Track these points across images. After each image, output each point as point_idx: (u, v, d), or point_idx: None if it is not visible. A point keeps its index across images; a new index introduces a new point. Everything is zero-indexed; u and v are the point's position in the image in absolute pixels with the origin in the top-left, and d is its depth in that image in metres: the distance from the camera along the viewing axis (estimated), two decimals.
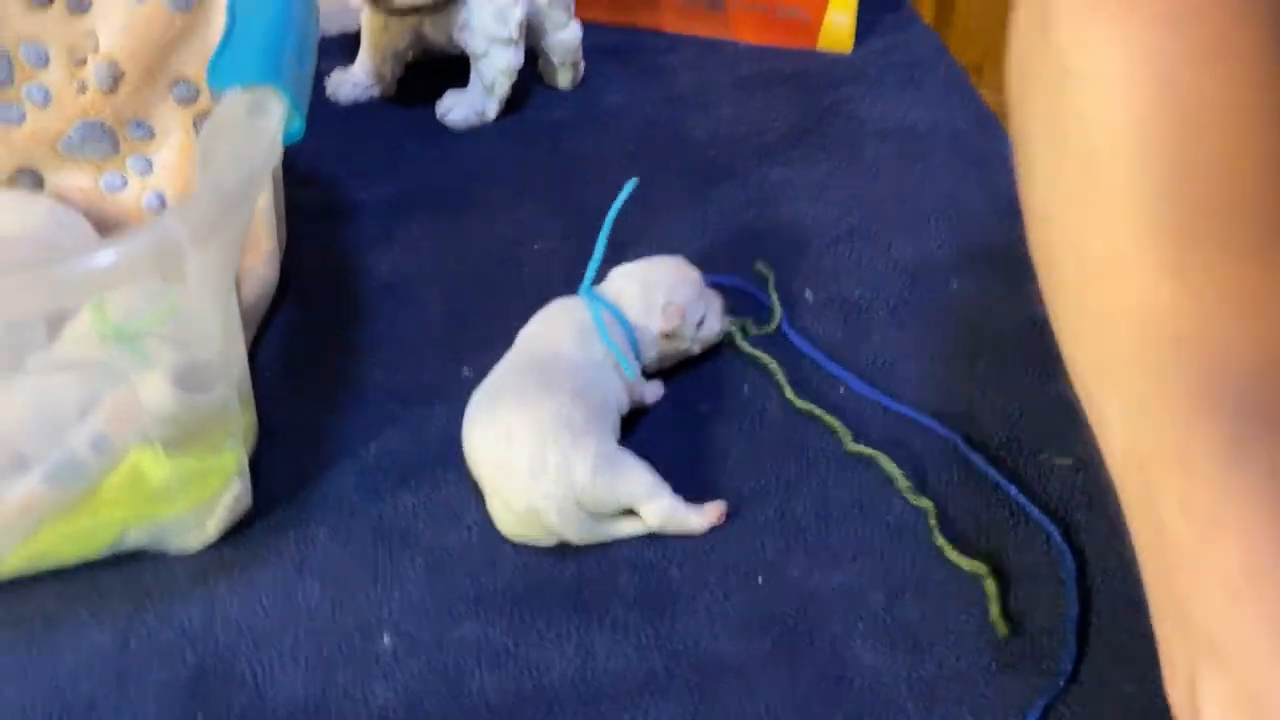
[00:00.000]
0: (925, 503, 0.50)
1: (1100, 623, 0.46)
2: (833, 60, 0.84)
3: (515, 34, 0.76)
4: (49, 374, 0.46)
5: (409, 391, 0.58)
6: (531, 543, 0.49)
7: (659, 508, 0.49)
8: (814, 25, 0.85)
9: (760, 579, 0.48)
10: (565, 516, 0.48)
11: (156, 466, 0.46)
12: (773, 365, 0.57)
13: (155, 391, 0.45)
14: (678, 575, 0.49)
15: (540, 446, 0.48)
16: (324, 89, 0.81)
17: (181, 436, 0.47)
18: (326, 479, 0.53)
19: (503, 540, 0.50)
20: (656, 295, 0.54)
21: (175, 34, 0.60)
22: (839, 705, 0.44)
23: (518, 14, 0.75)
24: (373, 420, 0.56)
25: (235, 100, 0.43)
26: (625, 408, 0.53)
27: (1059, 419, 0.54)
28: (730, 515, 0.50)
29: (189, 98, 0.62)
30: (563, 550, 0.50)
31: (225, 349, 0.47)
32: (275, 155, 0.43)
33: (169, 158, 0.63)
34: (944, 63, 0.83)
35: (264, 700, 0.44)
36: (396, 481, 0.53)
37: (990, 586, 0.47)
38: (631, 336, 0.54)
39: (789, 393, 0.56)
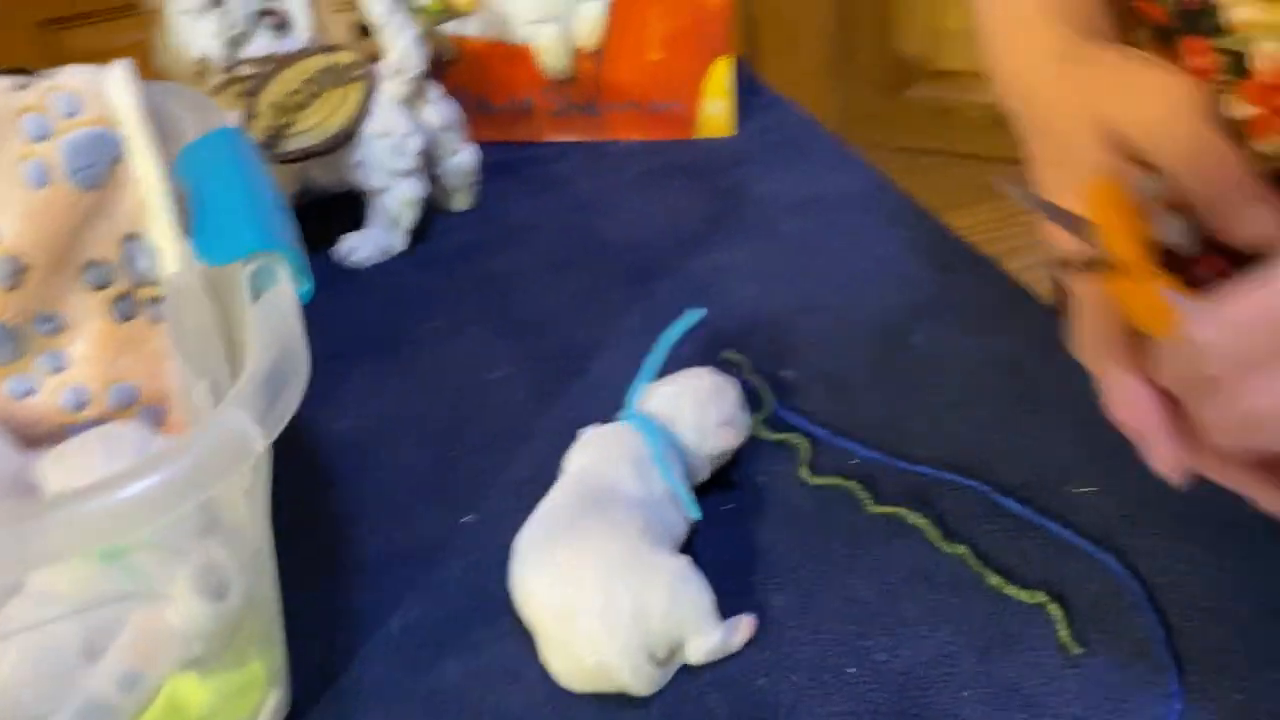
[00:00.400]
0: (960, 549, 0.50)
1: (1183, 640, 0.47)
2: (718, 146, 0.86)
3: (414, 164, 0.74)
4: (37, 612, 0.41)
5: (414, 551, 0.54)
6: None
7: (710, 641, 0.46)
8: (690, 116, 0.87)
9: (851, 669, 0.47)
10: (638, 671, 0.45)
11: (195, 694, 0.41)
12: (802, 442, 0.56)
13: (184, 611, 0.40)
14: (766, 684, 0.47)
15: (612, 591, 0.45)
16: None
17: (215, 651, 0.42)
18: (360, 664, 0.49)
19: (570, 691, 0.47)
20: (710, 414, 0.53)
21: (83, 214, 0.55)
22: None
23: (414, 144, 0.73)
24: (387, 590, 0.52)
25: (242, 272, 0.40)
26: (682, 542, 0.51)
27: (1068, 450, 0.55)
28: (798, 608, 0.49)
29: (103, 282, 0.57)
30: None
31: (257, 551, 0.43)
32: (300, 319, 0.39)
33: (85, 349, 0.58)
34: (820, 135, 0.86)
35: None
36: (434, 651, 0.49)
37: (1055, 610, 0.47)
38: (685, 463, 0.52)
39: (805, 472, 0.55)
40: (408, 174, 0.73)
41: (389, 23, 0.71)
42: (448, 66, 0.86)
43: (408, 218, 0.75)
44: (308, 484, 0.58)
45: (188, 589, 0.41)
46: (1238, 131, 0.51)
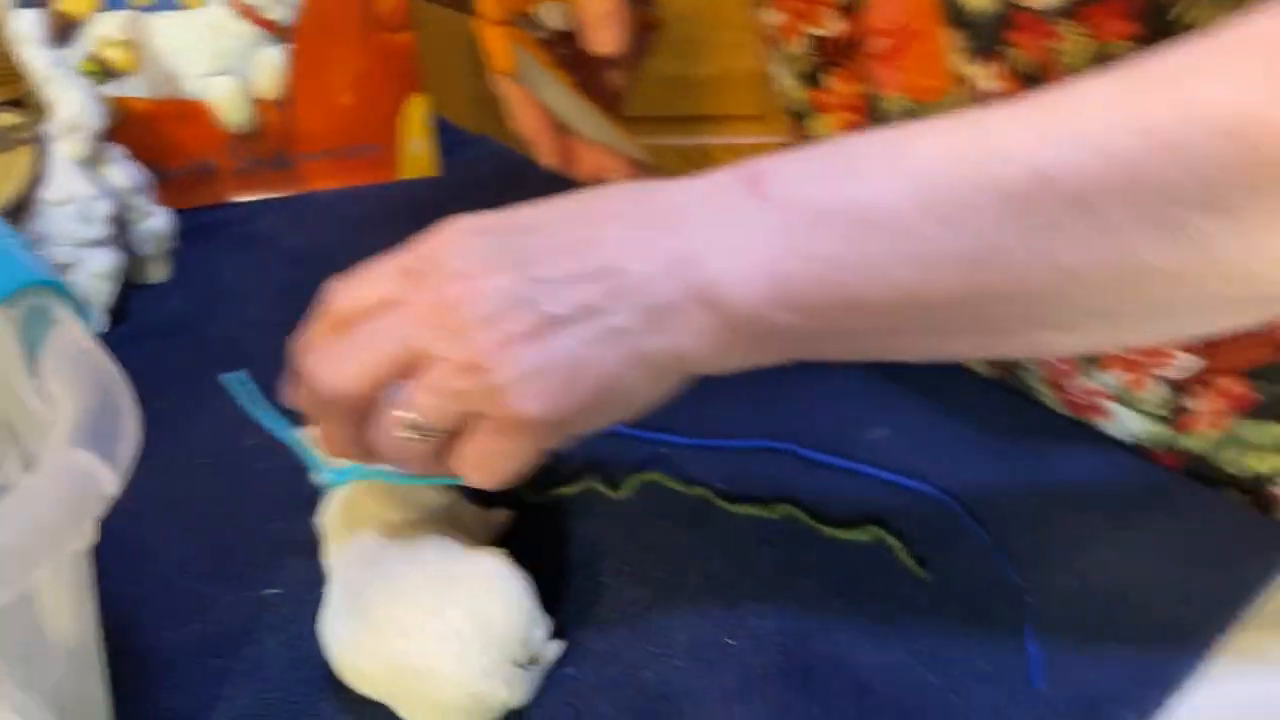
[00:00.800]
0: (787, 509, 0.51)
1: (1010, 543, 0.50)
2: (424, 186, 0.83)
3: (104, 231, 0.66)
4: None
5: (222, 637, 0.47)
6: None
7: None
8: (391, 157, 0.84)
9: (731, 641, 0.46)
10: (510, 681, 0.42)
11: None
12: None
13: None
14: (652, 676, 0.45)
15: (444, 621, 0.41)
16: None
17: None
18: None
19: None
20: None
21: None
22: (877, 710, 0.43)
23: (103, 209, 0.65)
24: (202, 685, 0.45)
25: (4, 319, 0.33)
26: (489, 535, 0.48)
27: (852, 401, 0.58)
28: (657, 597, 0.48)
29: None
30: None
31: (71, 660, 0.35)
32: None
33: None
34: (529, 165, 0.86)
35: None
36: None
37: (892, 541, 0.49)
38: None
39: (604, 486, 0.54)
40: (97, 243, 0.65)
41: (53, 75, 0.63)
42: (113, 133, 0.77)
43: (104, 293, 0.66)
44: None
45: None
46: None
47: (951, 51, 0.53)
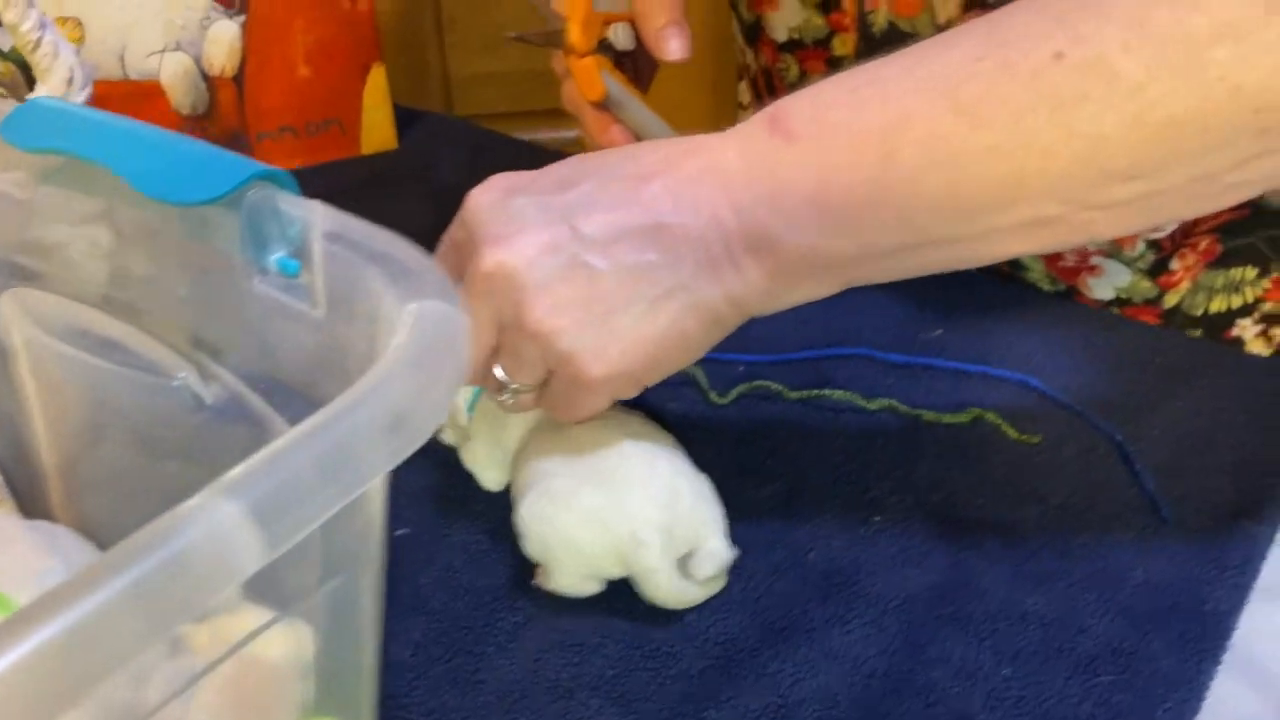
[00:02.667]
0: (886, 402, 0.53)
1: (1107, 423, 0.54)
2: (390, 160, 0.81)
3: None
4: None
5: None
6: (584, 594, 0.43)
7: (722, 548, 0.44)
8: (354, 131, 0.81)
9: (877, 517, 0.48)
10: (664, 551, 0.42)
11: None
12: (696, 371, 0.55)
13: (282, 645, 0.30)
14: (784, 587, 0.46)
15: (654, 466, 0.43)
16: None
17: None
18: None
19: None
20: None
21: None
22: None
23: None
24: None
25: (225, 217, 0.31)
26: None
27: (904, 308, 0.61)
28: (790, 496, 0.49)
29: None
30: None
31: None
32: None
33: None
34: (487, 133, 0.86)
35: None
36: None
37: (992, 416, 0.52)
38: None
39: (714, 396, 0.55)
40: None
41: (43, 38, 0.58)
42: None
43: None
44: None
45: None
46: None
47: None
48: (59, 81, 0.59)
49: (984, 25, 0.37)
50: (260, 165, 0.33)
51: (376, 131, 0.82)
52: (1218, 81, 0.33)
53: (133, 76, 0.74)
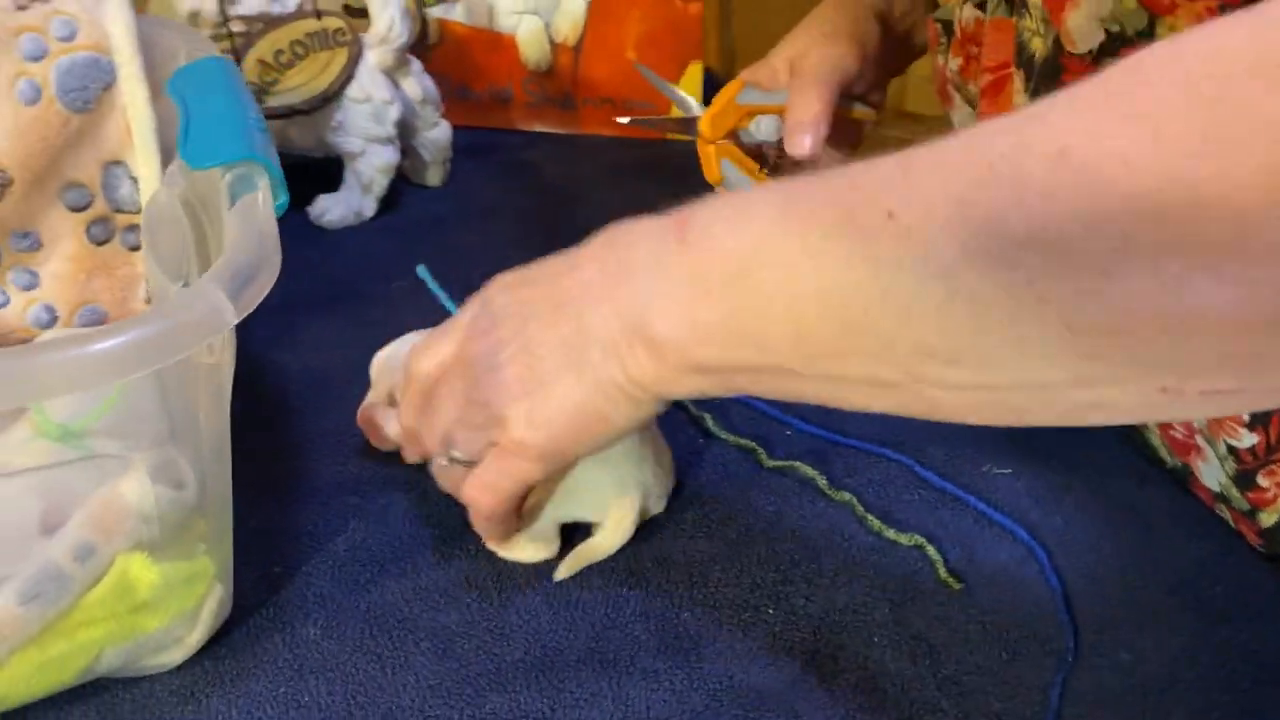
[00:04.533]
0: (845, 496, 0.54)
1: (1080, 603, 0.50)
2: (685, 148, 0.89)
3: (392, 132, 0.76)
4: None
5: (361, 483, 0.56)
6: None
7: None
8: (662, 116, 0.90)
9: (770, 610, 0.49)
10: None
11: (146, 574, 0.43)
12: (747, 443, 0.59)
13: (136, 489, 0.42)
14: (690, 618, 0.49)
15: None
16: None
17: (168, 538, 0.44)
18: (301, 578, 0.51)
19: (505, 611, 0.49)
20: None
21: (69, 136, 0.57)
22: (882, 712, 0.45)
23: (393, 112, 0.76)
24: (334, 515, 0.54)
25: (220, 178, 0.42)
26: None
27: (987, 434, 0.59)
28: (726, 557, 0.52)
29: (81, 204, 0.59)
30: (571, 613, 0.49)
31: (216, 446, 0.45)
32: (274, 221, 0.42)
33: (59, 267, 0.59)
34: None
35: None
36: (376, 571, 0.51)
37: (931, 551, 0.51)
38: None
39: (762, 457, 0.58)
40: (383, 141, 0.76)
41: None
42: (432, 49, 0.89)
43: (380, 184, 0.77)
44: (268, 416, 0.60)
45: (146, 474, 0.43)
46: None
47: (1018, 92, 0.56)
48: (382, 28, 0.74)
49: (860, 167, 0.37)
50: (255, 152, 0.43)
51: None
52: (1025, 285, 0.31)
53: (496, 29, 0.88)
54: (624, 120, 0.70)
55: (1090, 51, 0.51)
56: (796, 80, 0.66)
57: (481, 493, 0.48)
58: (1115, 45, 0.51)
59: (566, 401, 0.44)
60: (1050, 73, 0.53)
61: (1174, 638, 0.48)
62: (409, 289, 0.71)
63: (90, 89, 0.56)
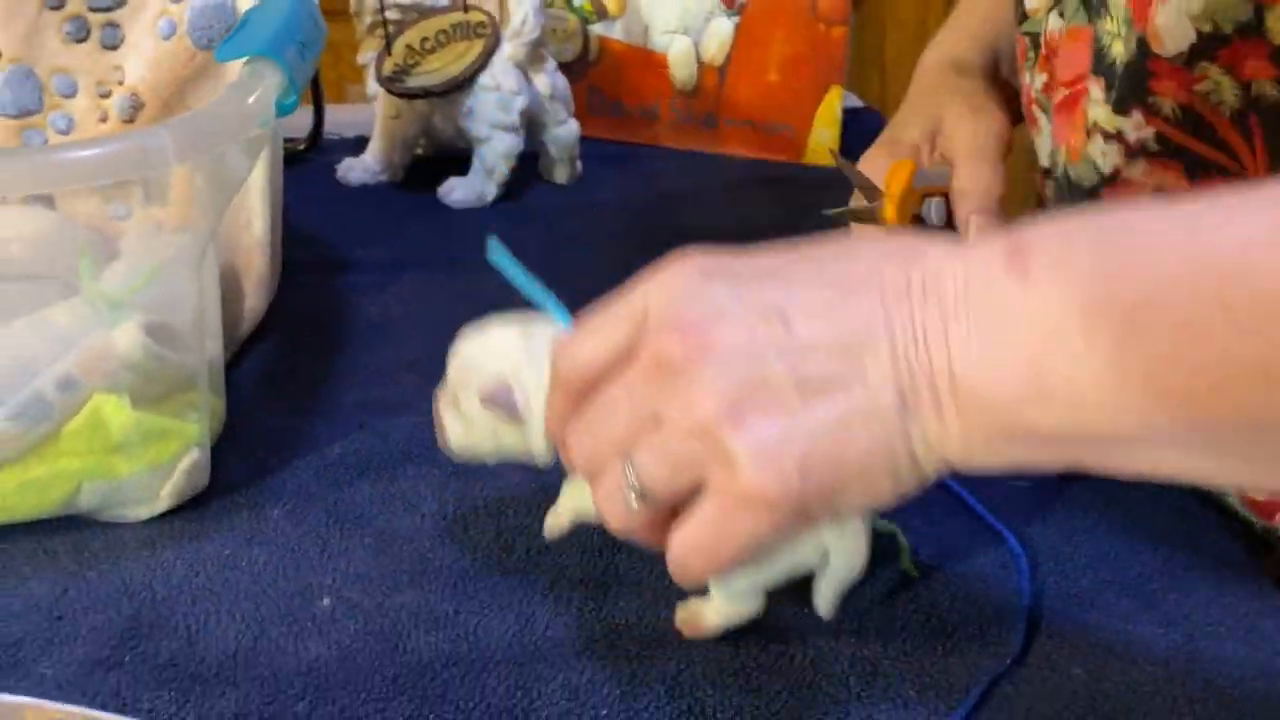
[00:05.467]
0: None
1: (1051, 619, 0.45)
2: (820, 173, 0.89)
3: (516, 121, 0.81)
4: (30, 328, 0.48)
5: (379, 406, 0.59)
6: None
7: None
8: (800, 140, 0.90)
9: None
10: None
11: (118, 415, 0.47)
12: None
13: (126, 338, 0.47)
14: (624, 560, 0.48)
15: None
16: (335, 173, 0.86)
17: (147, 389, 0.48)
18: (288, 471, 0.54)
19: (455, 526, 0.50)
20: None
21: (195, 70, 0.64)
22: (779, 676, 0.42)
23: (519, 103, 0.80)
24: (340, 427, 0.57)
25: (236, 68, 0.47)
26: None
27: None
28: None
29: None
30: (511, 536, 0.49)
31: (197, 319, 0.49)
32: (266, 113, 0.46)
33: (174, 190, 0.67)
34: None
35: (194, 648, 0.44)
36: (356, 474, 0.54)
37: (902, 539, 0.47)
38: None
39: None
40: (508, 129, 0.81)
41: None
42: (591, 67, 0.94)
43: (502, 169, 0.82)
44: (319, 346, 0.65)
45: (141, 328, 0.47)
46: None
47: (1094, 103, 0.52)
48: (516, 22, 0.80)
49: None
50: (269, 49, 0.48)
51: (821, 145, 0.89)
52: None
53: (650, 47, 0.92)
54: (828, 212, 0.59)
55: (1181, 53, 0.48)
56: (959, 160, 0.59)
57: (694, 556, 0.36)
58: (1209, 46, 0.47)
59: (830, 449, 0.33)
60: (1135, 78, 0.50)
61: (1141, 667, 0.43)
62: (478, 268, 0.75)
63: (214, 29, 0.63)
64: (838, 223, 0.58)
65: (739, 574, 0.40)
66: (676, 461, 0.34)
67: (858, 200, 0.59)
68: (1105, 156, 0.53)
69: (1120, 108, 0.51)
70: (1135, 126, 0.51)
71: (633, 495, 0.35)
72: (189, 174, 0.47)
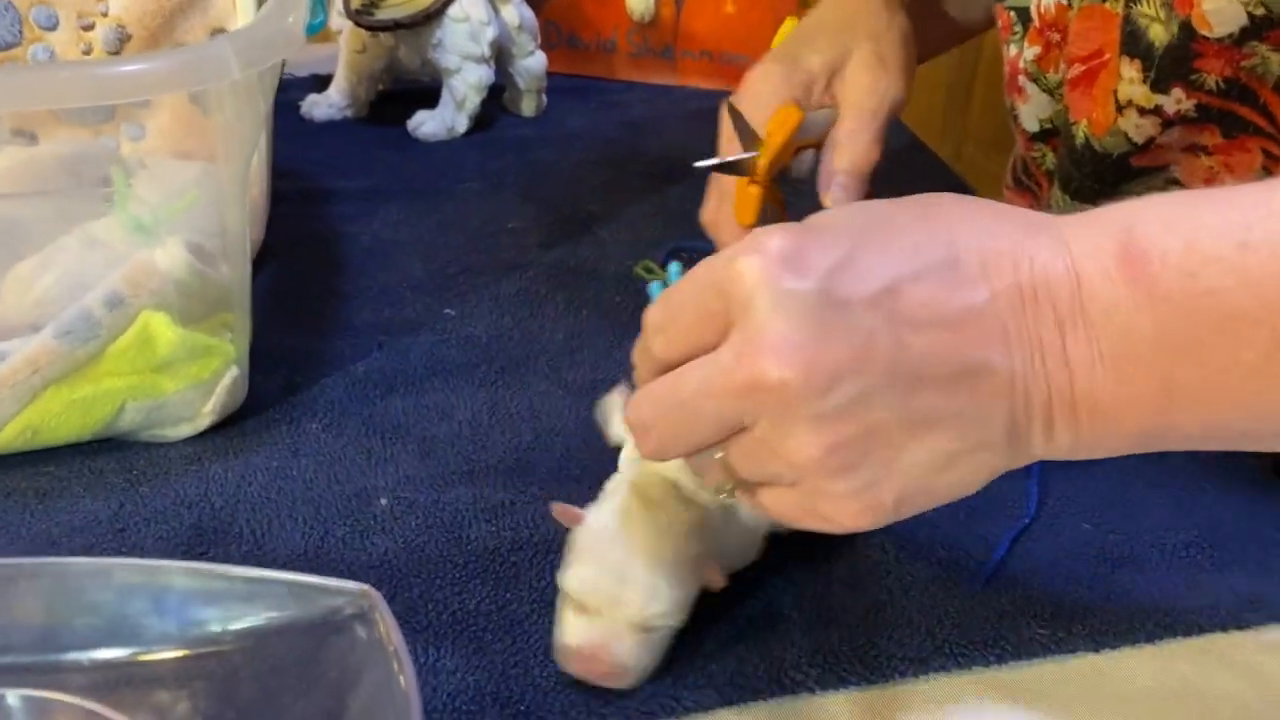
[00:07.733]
0: None
1: (1057, 483, 0.49)
2: None
3: (486, 52, 0.82)
4: (80, 250, 0.49)
5: (394, 326, 0.61)
6: None
7: None
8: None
9: None
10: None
11: (165, 332, 0.48)
12: None
13: (170, 256, 0.48)
14: None
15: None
16: (298, 110, 0.86)
17: (188, 308, 0.49)
18: (318, 389, 0.55)
19: (493, 431, 0.52)
20: None
21: (182, 2, 0.64)
22: (821, 539, 0.46)
23: (489, 33, 0.81)
24: (361, 346, 0.59)
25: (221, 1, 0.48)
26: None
27: None
28: None
29: None
30: (549, 439, 0.52)
31: (237, 234, 0.50)
32: (299, 32, 0.47)
33: (163, 122, 0.67)
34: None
35: (264, 549, 0.45)
36: (385, 390, 0.55)
37: None
38: None
39: None
40: (478, 59, 0.82)
41: None
42: (546, 2, 0.95)
43: (473, 101, 0.83)
44: (322, 271, 0.66)
45: (182, 246, 0.48)
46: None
47: (1127, 82, 0.53)
48: None
49: None
50: None
51: None
52: None
53: None
54: (700, 165, 0.53)
55: (1230, 35, 0.49)
56: (846, 114, 0.53)
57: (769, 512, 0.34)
58: (1261, 26, 0.48)
59: (932, 484, 0.32)
60: (1178, 58, 0.51)
61: (1145, 517, 0.47)
62: (477, 190, 0.77)
63: None
64: (704, 174, 0.55)
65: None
66: (762, 471, 0.33)
67: (730, 142, 0.53)
68: (1139, 129, 0.54)
69: (1160, 87, 0.52)
70: (1175, 101, 0.52)
71: (722, 486, 0.35)
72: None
